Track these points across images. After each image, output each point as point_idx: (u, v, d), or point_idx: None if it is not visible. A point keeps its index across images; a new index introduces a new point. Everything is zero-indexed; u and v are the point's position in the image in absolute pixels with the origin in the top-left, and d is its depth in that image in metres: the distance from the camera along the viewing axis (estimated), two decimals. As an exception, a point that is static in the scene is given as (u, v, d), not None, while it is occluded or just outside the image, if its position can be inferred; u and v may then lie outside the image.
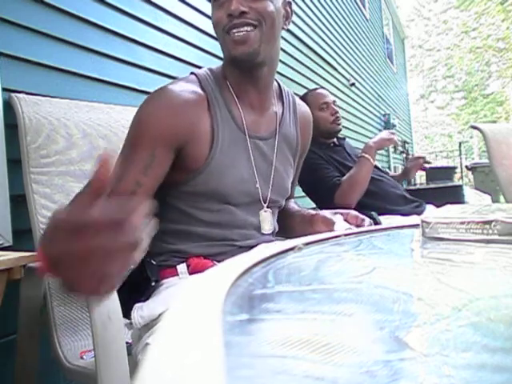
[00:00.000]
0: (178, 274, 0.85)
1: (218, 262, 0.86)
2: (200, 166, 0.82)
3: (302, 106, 1.06)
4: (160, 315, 0.74)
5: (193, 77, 0.89)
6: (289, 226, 1.05)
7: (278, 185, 0.93)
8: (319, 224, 0.95)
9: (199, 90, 0.85)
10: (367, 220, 0.93)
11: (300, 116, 1.01)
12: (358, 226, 0.91)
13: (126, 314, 0.74)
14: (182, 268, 0.85)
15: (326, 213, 0.97)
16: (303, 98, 2.04)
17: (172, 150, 0.81)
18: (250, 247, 0.86)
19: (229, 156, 0.84)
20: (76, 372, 0.87)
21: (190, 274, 0.85)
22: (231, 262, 0.42)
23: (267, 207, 0.91)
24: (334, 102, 1.99)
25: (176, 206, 0.86)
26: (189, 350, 0.21)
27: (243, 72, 0.86)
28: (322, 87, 2.13)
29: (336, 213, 0.95)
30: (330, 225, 0.92)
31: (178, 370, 0.19)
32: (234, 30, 0.79)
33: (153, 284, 0.82)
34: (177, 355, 0.20)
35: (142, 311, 0.76)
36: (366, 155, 1.73)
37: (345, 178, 1.73)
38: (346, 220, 0.92)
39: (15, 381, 0.91)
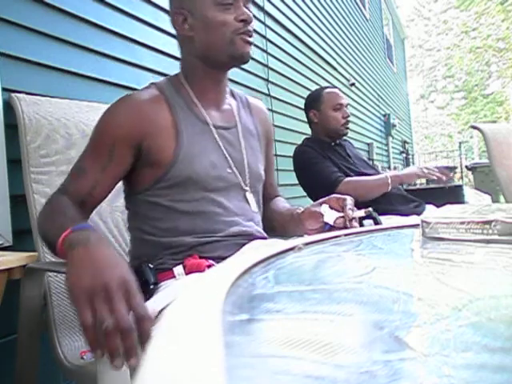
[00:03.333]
0: (175, 276, 0.86)
1: (212, 259, 0.88)
2: (170, 158, 0.87)
3: (256, 102, 1.11)
4: (158, 314, 0.74)
5: (152, 85, 0.95)
6: (280, 225, 1.06)
7: (251, 170, 0.97)
8: (308, 221, 0.95)
9: (157, 93, 0.91)
10: (348, 198, 0.92)
11: (255, 110, 1.07)
12: (342, 207, 0.91)
13: None
14: (178, 270, 0.87)
15: (311, 207, 0.96)
16: (318, 92, 2.03)
17: (131, 147, 0.86)
18: (235, 236, 0.90)
19: (196, 145, 0.89)
20: (76, 372, 0.87)
21: (187, 274, 0.86)
22: (231, 263, 0.42)
23: (250, 192, 0.96)
24: (348, 105, 2.00)
25: (159, 203, 0.89)
26: (189, 349, 0.21)
27: (218, 71, 0.94)
28: (336, 87, 2.15)
29: (320, 203, 0.95)
30: (318, 218, 0.92)
31: (178, 370, 0.19)
32: (249, 34, 0.89)
33: (151, 287, 0.82)
34: (177, 355, 0.20)
35: None
36: (389, 179, 1.72)
37: (354, 178, 1.72)
38: (331, 208, 0.92)
39: (15, 381, 0.91)
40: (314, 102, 2.01)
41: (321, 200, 0.97)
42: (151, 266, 0.85)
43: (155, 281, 0.84)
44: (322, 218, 0.92)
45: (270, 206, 1.11)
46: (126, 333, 0.54)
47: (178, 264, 0.88)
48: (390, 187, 1.70)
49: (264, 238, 0.98)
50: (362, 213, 0.95)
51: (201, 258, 0.88)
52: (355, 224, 0.92)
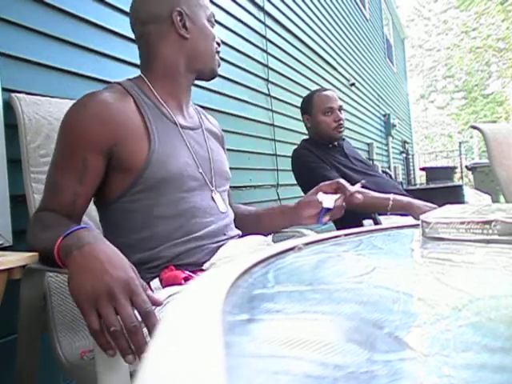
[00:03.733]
0: (152, 291, 0.83)
1: (188, 266, 0.87)
2: (143, 161, 0.84)
3: (209, 115, 1.16)
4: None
5: (116, 85, 0.93)
6: (267, 223, 1.10)
7: (218, 168, 0.99)
8: (306, 210, 0.98)
9: (124, 92, 0.90)
10: (339, 180, 0.98)
11: (211, 121, 1.12)
12: (336, 190, 0.96)
13: None
14: (155, 283, 0.85)
15: (306, 198, 1.01)
16: (310, 96, 1.99)
17: (103, 154, 0.83)
18: (212, 237, 0.90)
19: (168, 146, 0.88)
20: (76, 372, 0.87)
21: (164, 287, 0.83)
22: (231, 263, 0.42)
23: (217, 192, 0.96)
24: (341, 106, 1.93)
25: (134, 210, 0.86)
26: (189, 350, 0.21)
27: (192, 76, 0.99)
28: (330, 89, 2.10)
29: (313, 193, 1.00)
30: (316, 206, 0.96)
31: (178, 370, 0.19)
32: (219, 55, 1.00)
33: None
34: (177, 355, 0.20)
35: None
36: (390, 203, 1.58)
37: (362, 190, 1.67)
38: (325, 193, 0.98)
39: (15, 381, 0.91)
40: (306, 107, 1.98)
41: (313, 190, 1.00)
42: None
43: None
44: (320, 205, 0.96)
45: (237, 213, 1.13)
46: (134, 332, 0.55)
47: (155, 277, 0.86)
48: (389, 208, 1.59)
49: (239, 236, 1.00)
50: (358, 185, 1.02)
51: (177, 268, 0.86)
52: (359, 196, 0.98)
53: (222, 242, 0.92)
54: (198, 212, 0.90)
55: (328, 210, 0.97)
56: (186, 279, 0.85)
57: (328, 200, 0.96)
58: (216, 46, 0.98)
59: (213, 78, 1.01)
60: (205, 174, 0.94)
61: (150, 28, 0.94)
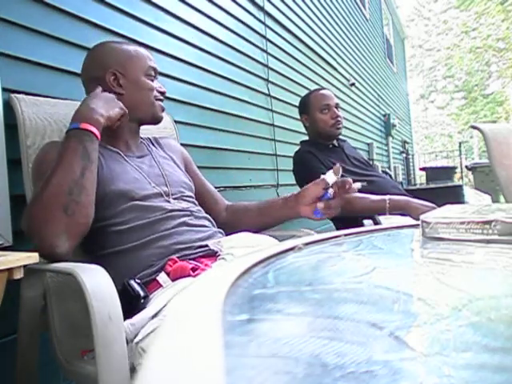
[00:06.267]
0: (161, 285, 0.87)
1: (190, 258, 0.93)
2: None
3: (165, 139, 1.28)
4: (152, 317, 0.74)
5: None
6: (267, 213, 1.18)
7: (172, 180, 1.09)
8: (311, 188, 1.06)
9: None
10: (337, 165, 1.03)
11: (164, 145, 1.23)
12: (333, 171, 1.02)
13: None
14: (162, 277, 0.88)
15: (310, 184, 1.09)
16: (306, 95, 2.02)
17: None
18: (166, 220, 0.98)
19: (114, 168, 0.99)
20: (76, 372, 0.87)
21: (173, 280, 0.86)
22: (231, 263, 0.42)
23: (173, 199, 1.05)
24: (337, 104, 1.95)
25: (106, 224, 0.93)
26: (189, 350, 0.21)
27: (136, 125, 1.11)
28: (326, 88, 2.11)
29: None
30: (321, 183, 1.03)
31: (178, 370, 0.19)
32: (161, 102, 1.12)
33: (142, 301, 0.82)
34: (177, 355, 0.20)
35: (131, 320, 0.75)
36: (387, 205, 1.58)
37: (353, 194, 1.65)
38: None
39: (15, 381, 0.91)
40: (303, 107, 2.01)
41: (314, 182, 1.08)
42: (138, 281, 0.84)
43: (145, 294, 0.83)
44: (324, 182, 1.02)
45: (235, 210, 1.24)
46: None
47: (159, 272, 0.89)
48: (387, 209, 1.58)
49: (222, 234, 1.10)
50: (358, 184, 1.05)
51: (180, 259, 0.90)
52: (356, 185, 1.05)
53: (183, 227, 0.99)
54: (161, 217, 0.98)
55: (329, 198, 1.04)
56: (194, 269, 0.88)
57: (331, 176, 1.01)
58: (157, 94, 1.10)
59: (157, 123, 1.13)
60: (158, 186, 1.03)
61: (91, 87, 1.05)
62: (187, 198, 1.09)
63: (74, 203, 0.81)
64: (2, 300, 0.70)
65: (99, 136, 0.91)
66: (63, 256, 0.81)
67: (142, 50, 1.12)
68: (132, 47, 1.11)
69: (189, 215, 1.04)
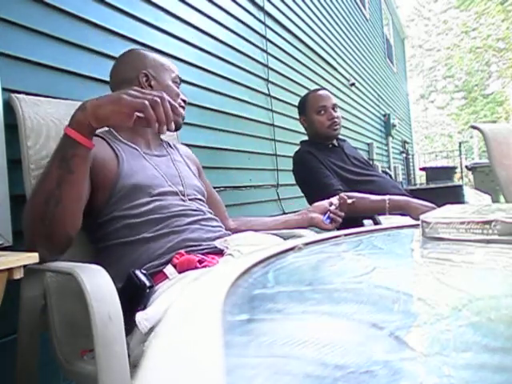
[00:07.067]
0: (168, 277, 0.88)
1: (196, 250, 0.96)
2: (114, 177, 0.98)
3: (182, 147, 1.35)
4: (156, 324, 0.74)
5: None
6: (280, 229, 1.29)
7: (188, 183, 1.13)
8: (318, 203, 1.34)
9: (100, 139, 1.06)
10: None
11: (181, 150, 1.29)
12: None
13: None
14: (169, 270, 0.90)
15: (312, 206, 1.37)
16: (304, 96, 2.03)
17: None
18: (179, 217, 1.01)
19: (134, 165, 1.03)
20: (76, 372, 0.87)
21: (180, 272, 0.88)
22: (231, 263, 0.42)
23: (188, 199, 1.09)
24: (335, 105, 1.95)
25: (119, 216, 0.97)
26: (189, 350, 0.21)
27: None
28: (325, 88, 2.11)
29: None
30: (323, 208, 1.30)
31: (178, 370, 0.19)
32: (183, 110, 1.19)
33: (147, 291, 0.82)
34: (177, 355, 0.20)
35: (146, 315, 0.76)
36: (386, 204, 1.58)
37: (353, 194, 1.59)
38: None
39: (15, 381, 0.91)
40: (301, 108, 2.01)
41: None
42: (144, 272, 0.85)
43: (151, 284, 0.84)
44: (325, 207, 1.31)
45: (240, 224, 1.34)
46: (163, 102, 0.80)
47: (166, 264, 0.91)
48: (386, 209, 1.59)
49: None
50: (349, 201, 1.37)
51: (187, 252, 0.93)
52: (349, 201, 1.35)
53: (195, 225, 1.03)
54: (174, 213, 1.01)
55: (331, 220, 1.29)
56: (201, 262, 0.90)
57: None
58: (180, 101, 1.17)
59: (177, 130, 1.19)
60: (174, 186, 1.07)
61: (122, 88, 1.05)
62: (200, 201, 1.14)
63: (51, 214, 0.79)
64: (2, 300, 0.70)
65: (85, 140, 0.81)
66: (51, 261, 0.83)
67: (169, 60, 1.22)
68: (161, 56, 1.21)
69: (202, 215, 1.08)
